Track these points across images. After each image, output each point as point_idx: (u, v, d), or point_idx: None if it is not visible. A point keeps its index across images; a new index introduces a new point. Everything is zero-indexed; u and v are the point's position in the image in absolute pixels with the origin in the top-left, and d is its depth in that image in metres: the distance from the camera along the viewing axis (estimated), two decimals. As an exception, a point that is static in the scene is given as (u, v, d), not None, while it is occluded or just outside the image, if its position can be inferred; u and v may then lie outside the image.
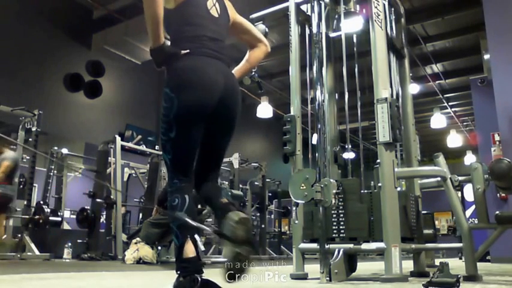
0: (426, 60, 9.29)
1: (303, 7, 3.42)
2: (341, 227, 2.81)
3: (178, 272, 1.65)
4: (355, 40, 3.44)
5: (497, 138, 5.98)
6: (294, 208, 2.99)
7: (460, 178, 3.11)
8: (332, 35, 3.48)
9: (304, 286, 2.48)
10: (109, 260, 5.82)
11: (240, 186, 8.34)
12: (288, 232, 10.68)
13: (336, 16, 3.37)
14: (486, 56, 7.02)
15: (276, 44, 8.22)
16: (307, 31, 3.47)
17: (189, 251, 1.65)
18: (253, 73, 2.95)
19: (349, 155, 3.29)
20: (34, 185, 6.32)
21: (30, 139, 5.82)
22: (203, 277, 1.63)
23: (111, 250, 6.18)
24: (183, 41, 1.78)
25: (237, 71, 2.02)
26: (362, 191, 2.94)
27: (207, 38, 1.80)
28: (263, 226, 8.49)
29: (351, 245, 2.70)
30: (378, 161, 2.77)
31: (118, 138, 6.71)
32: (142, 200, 7.58)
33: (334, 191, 2.56)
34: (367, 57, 3.03)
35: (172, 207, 1.69)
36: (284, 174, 4.88)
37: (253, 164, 8.61)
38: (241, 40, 2.10)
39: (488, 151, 6.16)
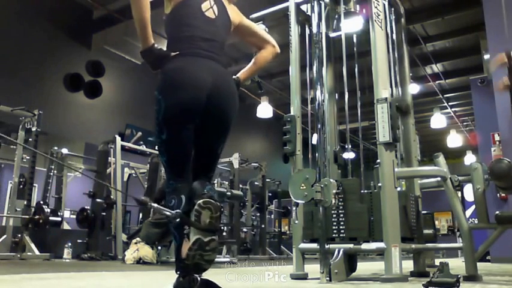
0: (426, 60, 9.29)
1: (303, 7, 3.41)
2: (341, 227, 2.81)
3: (178, 272, 1.66)
4: (355, 40, 3.44)
5: (497, 138, 5.98)
6: (294, 208, 2.99)
7: (460, 178, 3.10)
8: (332, 35, 3.48)
9: (304, 286, 2.48)
10: (109, 260, 5.82)
11: (240, 186, 8.34)
12: (288, 232, 10.69)
13: (336, 16, 3.37)
14: (486, 56, 7.02)
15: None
16: (307, 31, 3.47)
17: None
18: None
19: (349, 155, 3.29)
20: (34, 185, 6.31)
21: (30, 139, 5.82)
22: (202, 277, 1.63)
23: (111, 250, 6.18)
24: (176, 43, 1.80)
25: (242, 73, 2.02)
26: (362, 191, 2.94)
27: (199, 38, 1.80)
28: (263, 226, 8.49)
29: (351, 245, 2.70)
30: (378, 161, 2.78)
31: (118, 138, 6.71)
32: (142, 200, 7.57)
33: (334, 191, 2.56)
34: (367, 57, 3.03)
35: (170, 208, 1.69)
36: (284, 174, 4.88)
37: (253, 164, 8.61)
38: (248, 43, 2.11)
39: (488, 151, 6.16)
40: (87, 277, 3.11)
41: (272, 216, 10.56)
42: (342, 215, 2.82)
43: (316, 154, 2.84)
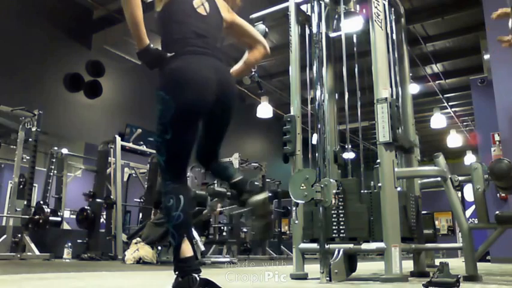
0: (426, 60, 9.29)
1: (303, 7, 3.41)
2: (341, 227, 2.81)
3: (177, 272, 1.66)
4: (355, 40, 3.44)
5: (497, 138, 5.98)
6: (294, 208, 2.98)
7: (460, 178, 3.10)
8: (332, 35, 3.47)
9: (304, 286, 2.48)
10: (109, 260, 5.82)
11: (240, 186, 8.32)
12: (288, 232, 10.69)
13: (336, 16, 3.37)
14: (486, 56, 7.00)
15: (276, 44, 8.22)
16: (307, 31, 3.46)
17: (186, 250, 1.65)
18: (253, 73, 2.94)
19: (349, 155, 3.29)
20: (34, 185, 6.31)
21: (30, 139, 5.82)
22: (202, 276, 1.63)
23: (111, 250, 6.18)
24: (170, 41, 1.81)
25: (233, 71, 2.03)
26: (362, 191, 2.93)
27: (193, 35, 1.80)
28: (263, 226, 8.47)
29: (351, 245, 2.70)
30: (378, 161, 2.77)
31: (118, 138, 6.72)
32: (142, 200, 7.59)
33: (334, 191, 2.56)
34: (367, 57, 3.03)
35: (168, 208, 1.69)
36: (284, 174, 4.88)
37: (253, 164, 8.61)
38: (240, 42, 2.11)
39: (488, 151, 6.16)
40: (87, 277, 3.11)
41: (272, 216, 10.55)
42: (341, 215, 2.82)
43: (316, 154, 2.84)
